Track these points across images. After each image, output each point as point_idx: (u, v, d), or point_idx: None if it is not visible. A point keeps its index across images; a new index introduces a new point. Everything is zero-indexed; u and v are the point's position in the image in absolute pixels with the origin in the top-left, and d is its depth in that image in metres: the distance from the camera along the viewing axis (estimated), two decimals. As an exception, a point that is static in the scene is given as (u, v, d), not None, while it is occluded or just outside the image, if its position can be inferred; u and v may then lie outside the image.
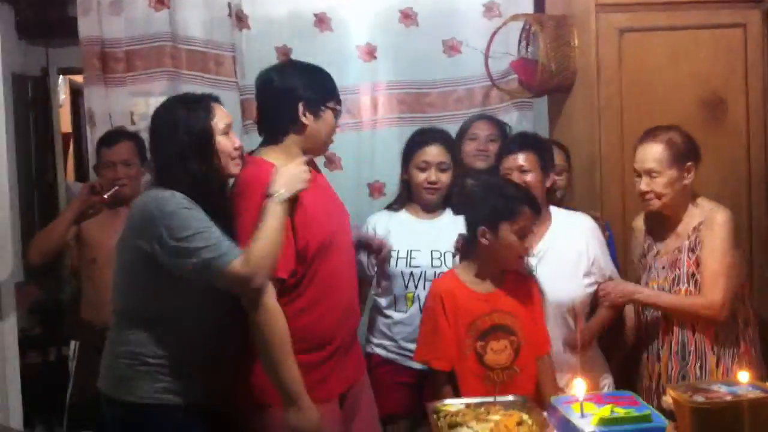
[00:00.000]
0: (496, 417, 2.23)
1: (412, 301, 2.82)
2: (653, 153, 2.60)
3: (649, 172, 2.60)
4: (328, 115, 2.39)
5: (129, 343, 2.27)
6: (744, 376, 2.09)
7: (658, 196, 2.61)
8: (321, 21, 3.51)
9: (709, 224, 2.59)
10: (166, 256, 2.16)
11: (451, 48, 3.53)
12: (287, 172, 2.26)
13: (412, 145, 2.90)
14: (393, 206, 2.94)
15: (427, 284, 2.71)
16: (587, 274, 2.66)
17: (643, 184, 2.62)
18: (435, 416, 2.26)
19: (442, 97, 3.55)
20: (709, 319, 2.55)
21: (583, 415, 2.19)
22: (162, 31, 3.49)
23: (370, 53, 3.52)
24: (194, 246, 2.14)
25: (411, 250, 2.82)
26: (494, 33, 3.34)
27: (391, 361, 2.84)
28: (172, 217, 2.18)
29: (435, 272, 2.76)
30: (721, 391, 1.99)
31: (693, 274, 2.58)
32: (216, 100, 2.32)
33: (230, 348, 2.31)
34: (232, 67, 3.52)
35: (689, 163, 2.60)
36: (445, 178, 2.84)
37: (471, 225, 2.50)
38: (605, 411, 2.19)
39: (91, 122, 3.59)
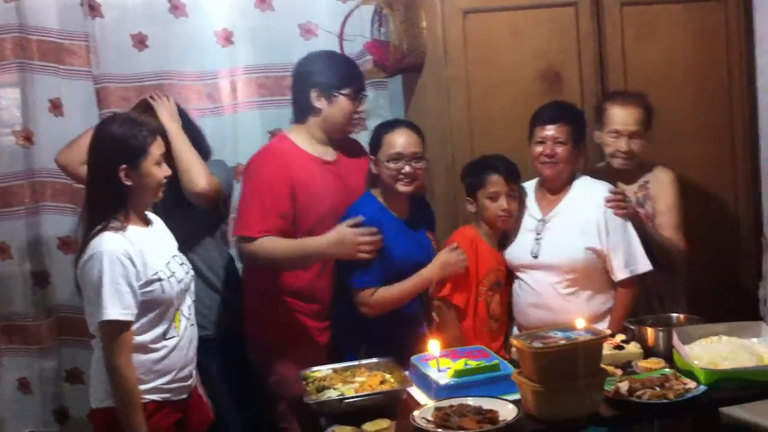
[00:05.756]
0: (361, 378, 2.39)
1: (179, 320, 2.44)
2: (636, 116, 2.91)
3: (632, 134, 2.89)
4: (341, 100, 2.75)
5: None
6: (580, 322, 2.31)
7: (635, 155, 2.92)
8: (175, 7, 3.49)
9: (657, 182, 2.95)
10: None
11: (307, 31, 3.60)
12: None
13: (139, 139, 2.38)
14: (113, 226, 2.32)
15: (186, 295, 2.45)
16: (593, 242, 2.77)
17: (624, 144, 2.89)
18: (304, 382, 2.39)
19: (301, 80, 3.63)
20: (672, 262, 2.93)
21: (440, 370, 2.38)
22: (11, 22, 3.39)
23: (227, 38, 3.54)
24: None
25: (168, 264, 2.41)
26: (347, 16, 3.42)
27: (167, 402, 2.40)
28: None
29: (189, 279, 2.49)
30: (557, 336, 2.18)
31: None
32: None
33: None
34: (87, 56, 3.47)
35: (650, 129, 2.95)
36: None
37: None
38: (459, 364, 2.39)
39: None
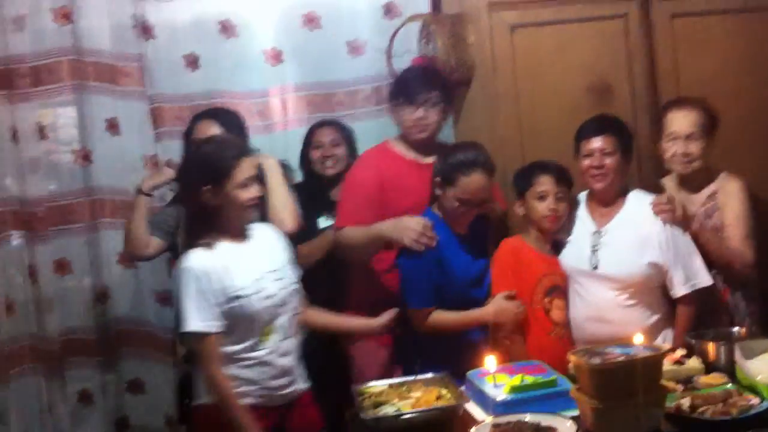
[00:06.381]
0: (417, 394, 2.39)
1: (270, 334, 2.49)
2: (692, 118, 2.88)
3: (689, 136, 2.86)
4: (395, 109, 3.07)
5: None
6: (638, 338, 2.29)
7: (695, 159, 2.88)
8: (225, 28, 3.56)
9: (724, 192, 2.90)
10: None
11: (355, 49, 3.64)
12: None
13: (224, 162, 2.45)
14: (203, 243, 2.43)
15: (283, 309, 2.50)
16: (655, 257, 2.76)
17: (681, 146, 2.87)
18: (360, 398, 2.40)
19: (350, 96, 3.66)
20: (739, 275, 2.86)
21: (496, 386, 2.37)
22: (67, 44, 3.47)
23: (276, 57, 3.60)
24: None
25: (256, 280, 2.46)
26: (395, 33, 3.45)
27: (258, 407, 2.45)
28: None
29: (287, 293, 2.52)
30: (615, 352, 2.16)
31: None
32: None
33: None
34: (140, 77, 3.55)
35: (714, 134, 2.90)
36: (261, 187, 2.59)
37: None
38: (516, 380, 2.38)
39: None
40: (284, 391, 2.51)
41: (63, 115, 3.61)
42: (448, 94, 3.10)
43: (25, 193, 3.48)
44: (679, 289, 2.76)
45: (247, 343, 2.45)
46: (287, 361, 2.52)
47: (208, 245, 2.44)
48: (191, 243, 2.45)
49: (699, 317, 2.80)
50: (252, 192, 2.48)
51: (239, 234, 2.53)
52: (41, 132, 3.55)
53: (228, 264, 2.43)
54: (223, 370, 2.40)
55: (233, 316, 2.42)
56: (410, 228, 2.75)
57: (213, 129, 2.96)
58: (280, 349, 2.50)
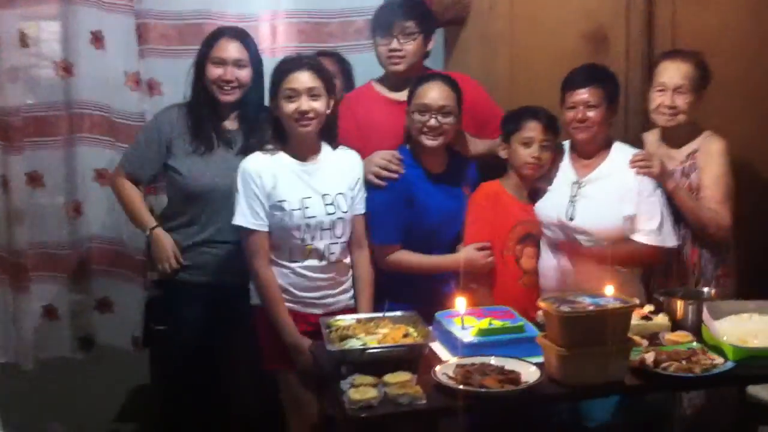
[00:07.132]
0: (384, 330, 2.38)
1: (310, 253, 2.66)
2: (684, 70, 2.81)
3: (677, 89, 2.80)
4: (375, 42, 2.94)
5: None
6: (609, 289, 2.28)
7: (680, 113, 2.82)
8: (220, -53, 3.46)
9: (705, 152, 2.83)
10: None
11: (352, -23, 3.54)
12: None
13: (278, 73, 2.66)
14: (267, 148, 2.66)
15: (324, 233, 2.64)
16: (631, 211, 2.72)
17: (668, 98, 2.81)
18: (327, 330, 2.39)
19: (342, 28, 3.56)
20: (713, 238, 2.81)
21: (464, 328, 2.36)
22: (55, -48, 3.36)
23: (272, -20, 3.50)
24: None
25: (303, 199, 2.62)
26: (392, -37, 3.37)
27: (292, 311, 2.65)
28: None
29: (331, 220, 2.64)
30: (586, 302, 2.16)
31: None
32: (224, 34, 2.93)
33: None
34: (128, -10, 3.44)
35: (704, 90, 2.83)
36: (318, 105, 2.61)
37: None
38: (484, 323, 2.38)
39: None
40: (319, 302, 2.68)
41: (46, 28, 3.49)
42: (428, 25, 2.95)
43: (3, 102, 3.37)
44: (642, 238, 2.72)
45: (282, 252, 2.64)
46: (323, 281, 2.67)
47: (268, 151, 2.63)
48: (259, 147, 2.65)
49: (665, 276, 2.83)
50: (296, 105, 2.57)
51: (303, 150, 2.67)
52: (23, 40, 3.43)
53: (278, 174, 2.61)
54: (267, 267, 2.60)
55: (274, 223, 2.61)
56: (373, 162, 2.74)
57: (232, 48, 2.89)
58: (317, 268, 2.65)
